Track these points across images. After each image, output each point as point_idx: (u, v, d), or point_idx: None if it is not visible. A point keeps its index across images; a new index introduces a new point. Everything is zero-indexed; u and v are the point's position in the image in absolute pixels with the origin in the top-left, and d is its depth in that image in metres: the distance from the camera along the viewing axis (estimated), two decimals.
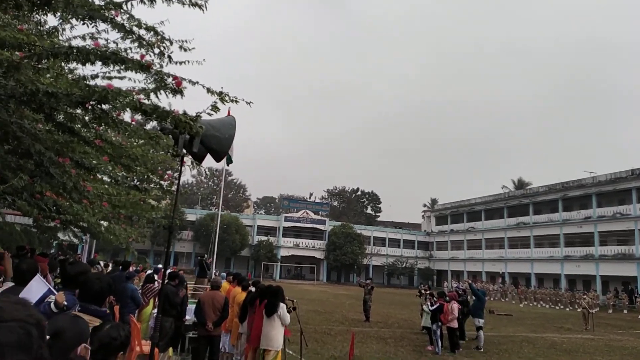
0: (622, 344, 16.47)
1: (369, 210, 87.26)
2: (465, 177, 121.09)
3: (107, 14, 3.44)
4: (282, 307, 7.18)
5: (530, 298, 40.29)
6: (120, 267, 11.13)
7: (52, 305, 3.07)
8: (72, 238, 15.48)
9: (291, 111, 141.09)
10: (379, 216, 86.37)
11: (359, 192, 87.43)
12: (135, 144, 6.68)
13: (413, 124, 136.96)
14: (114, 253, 41.88)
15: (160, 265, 20.97)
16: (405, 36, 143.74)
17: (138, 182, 7.93)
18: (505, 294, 44.42)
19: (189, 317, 9.59)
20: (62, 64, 4.79)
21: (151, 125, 7.85)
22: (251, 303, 7.91)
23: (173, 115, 3.87)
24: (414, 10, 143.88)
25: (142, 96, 4.12)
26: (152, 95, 4.16)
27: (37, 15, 5.19)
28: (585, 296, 24.66)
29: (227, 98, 4.17)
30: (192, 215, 57.14)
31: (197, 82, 4.13)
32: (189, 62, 4.36)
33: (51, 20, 5.02)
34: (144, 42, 3.70)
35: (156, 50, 3.71)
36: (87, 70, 4.84)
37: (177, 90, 3.84)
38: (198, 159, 4.77)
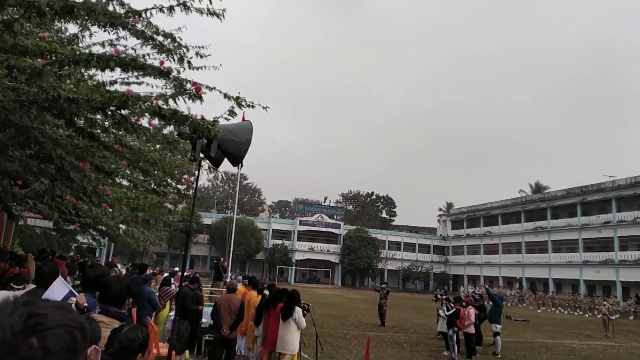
0: None
1: (383, 214, 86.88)
2: (481, 181, 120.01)
3: (127, 22, 3.51)
4: (298, 311, 7.19)
5: (548, 304, 39.70)
6: (138, 270, 11.27)
7: (73, 306, 3.12)
8: (90, 241, 15.73)
9: (306, 115, 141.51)
10: (394, 220, 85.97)
11: (374, 196, 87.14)
12: (152, 148, 6.78)
13: (428, 127, 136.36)
14: (132, 256, 42.38)
15: (177, 269, 21.17)
16: (417, 38, 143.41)
17: (156, 186, 8.03)
18: (522, 299, 43.83)
19: (205, 320, 9.66)
20: (82, 70, 4.89)
21: (168, 130, 7.96)
22: (266, 306, 7.94)
23: (191, 119, 3.93)
24: (425, 12, 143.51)
25: (160, 101, 4.18)
26: (171, 100, 4.23)
27: (57, 23, 5.31)
28: (605, 302, 24.21)
29: (243, 103, 4.22)
30: (208, 218, 57.53)
31: (214, 88, 4.19)
32: (205, 67, 4.42)
33: (71, 28, 5.14)
34: (165, 48, 3.76)
35: (176, 57, 3.77)
36: (106, 76, 4.93)
37: (197, 96, 3.89)
38: (215, 163, 4.81)
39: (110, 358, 2.39)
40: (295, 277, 58.45)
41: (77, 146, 5.70)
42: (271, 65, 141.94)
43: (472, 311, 12.60)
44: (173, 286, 10.82)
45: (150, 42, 3.73)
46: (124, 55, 4.04)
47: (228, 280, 15.35)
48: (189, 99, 3.95)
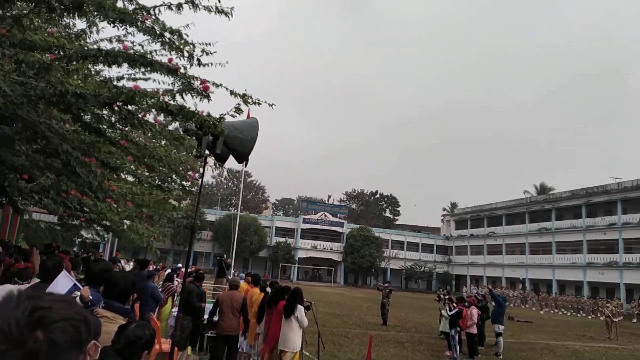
0: None
1: (387, 214, 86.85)
2: (486, 181, 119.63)
3: (137, 18, 3.52)
4: (300, 309, 7.19)
5: (551, 305, 39.58)
6: (139, 266, 11.31)
7: (77, 300, 3.14)
8: (94, 236, 15.78)
9: (311, 114, 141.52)
10: (397, 219, 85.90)
11: (378, 195, 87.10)
12: (158, 144, 6.80)
13: (433, 126, 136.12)
14: (135, 252, 42.55)
15: (180, 265, 21.21)
16: (422, 37, 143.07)
17: (160, 182, 8.05)
18: (525, 300, 43.72)
19: (206, 316, 9.69)
20: (90, 66, 4.91)
21: (173, 126, 7.98)
22: (269, 304, 7.96)
23: (198, 116, 3.94)
24: (429, 11, 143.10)
25: (167, 97, 4.19)
26: (177, 96, 4.24)
27: (65, 19, 5.33)
28: (608, 304, 24.11)
29: (250, 100, 4.22)
30: (211, 215, 57.66)
31: (221, 85, 4.19)
32: (212, 64, 4.42)
33: (79, 24, 5.16)
34: (174, 45, 3.77)
35: (186, 54, 3.78)
36: (112, 72, 4.95)
37: (205, 95, 3.90)
38: (221, 160, 4.82)
39: (116, 354, 2.40)
40: (297, 275, 58.48)
41: (83, 141, 5.72)
42: (278, 64, 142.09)
43: (474, 311, 12.58)
44: (176, 282, 10.86)
45: (160, 39, 3.74)
46: (132, 51, 4.05)
47: (231, 277, 15.38)
48: (197, 97, 3.96)
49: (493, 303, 14.42)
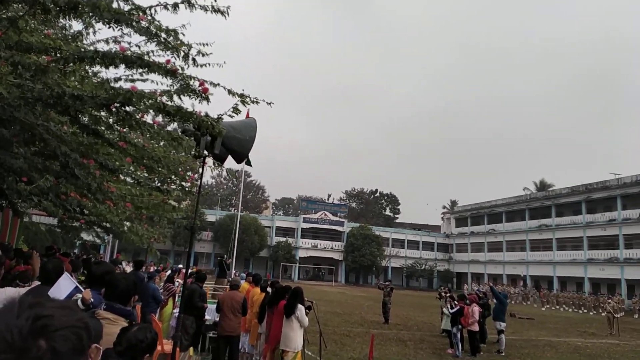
0: None
1: (387, 212, 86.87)
2: (485, 178, 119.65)
3: (132, 18, 3.50)
4: (301, 308, 7.18)
5: (552, 301, 39.61)
6: (134, 267, 11.28)
7: (79, 302, 3.12)
8: (94, 238, 15.76)
9: (310, 113, 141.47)
10: (397, 218, 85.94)
11: (378, 194, 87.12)
12: (157, 145, 6.78)
13: (433, 125, 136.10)
14: (136, 253, 42.48)
15: (180, 266, 21.20)
16: (421, 37, 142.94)
17: (160, 184, 8.04)
18: (526, 297, 43.74)
19: (209, 317, 9.68)
20: (87, 67, 4.89)
21: (172, 126, 7.96)
22: (270, 304, 7.95)
23: (196, 116, 3.92)
24: (428, 11, 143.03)
25: (164, 98, 4.18)
26: (175, 97, 4.23)
27: (62, 20, 5.31)
28: (610, 300, 24.12)
29: (248, 100, 4.21)
30: (211, 216, 57.63)
31: (219, 84, 4.18)
32: (209, 64, 4.40)
33: (75, 25, 5.14)
34: (170, 46, 3.76)
35: (181, 54, 3.76)
36: (110, 73, 4.93)
37: (204, 97, 3.89)
38: (219, 160, 4.81)
39: (118, 356, 2.39)
40: (298, 275, 58.49)
41: (81, 143, 5.71)
42: (277, 64, 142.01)
43: (476, 309, 12.57)
44: (176, 283, 10.85)
45: (155, 39, 3.72)
46: (129, 52, 4.04)
47: (232, 277, 15.37)
48: (196, 98, 3.95)
49: (494, 300, 14.42)
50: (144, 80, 5.16)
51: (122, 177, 7.74)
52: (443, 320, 14.14)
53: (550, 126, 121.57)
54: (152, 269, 20.58)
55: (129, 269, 17.67)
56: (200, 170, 4.89)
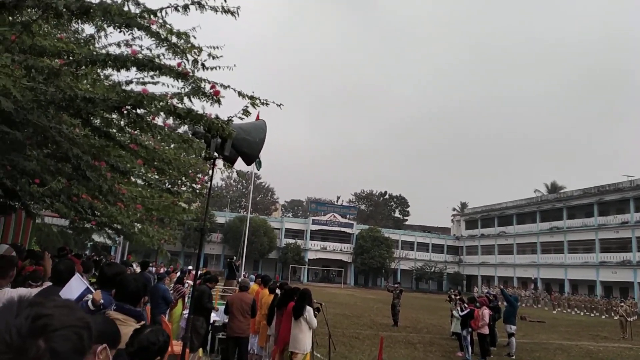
0: None
1: (396, 214, 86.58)
2: (496, 180, 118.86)
3: (142, 22, 3.53)
4: (309, 310, 7.19)
5: (563, 305, 39.21)
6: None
7: (89, 303, 3.16)
8: (105, 239, 15.89)
9: (319, 114, 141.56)
10: (407, 220, 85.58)
11: (387, 196, 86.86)
12: (167, 147, 6.83)
13: (442, 126, 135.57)
14: (146, 254, 42.75)
15: (190, 267, 21.31)
16: (430, 37, 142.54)
17: (170, 185, 8.10)
18: (537, 300, 43.35)
19: (219, 318, 9.72)
20: (99, 70, 4.94)
21: (183, 129, 8.02)
22: (279, 305, 7.96)
23: (206, 119, 3.95)
24: (435, 12, 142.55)
25: (175, 100, 4.21)
26: (186, 99, 4.26)
27: (74, 24, 5.38)
28: (622, 304, 23.83)
29: (258, 102, 4.23)
30: (221, 217, 57.81)
31: (229, 86, 4.20)
32: (219, 67, 4.43)
33: (87, 29, 5.20)
34: (178, 50, 3.79)
35: (190, 58, 3.79)
36: (121, 76, 4.98)
37: (215, 100, 3.91)
38: (229, 161, 4.84)
39: (130, 358, 2.40)
40: (307, 277, 58.49)
41: (93, 145, 5.77)
42: (285, 66, 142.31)
43: (486, 312, 12.50)
44: (186, 284, 10.90)
45: (165, 44, 3.76)
46: (140, 55, 4.07)
47: (241, 279, 15.42)
48: (207, 101, 3.97)
49: (505, 303, 14.33)
50: (155, 83, 5.21)
51: (133, 179, 7.81)
52: (453, 322, 14.07)
53: (561, 125, 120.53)
54: (162, 270, 20.72)
55: (139, 270, 17.79)
56: (210, 172, 4.92)
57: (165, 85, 4.91)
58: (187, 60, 3.81)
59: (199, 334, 8.02)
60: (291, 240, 59.38)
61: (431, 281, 62.64)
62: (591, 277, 45.53)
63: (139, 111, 4.27)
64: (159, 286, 9.30)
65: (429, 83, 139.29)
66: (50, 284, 4.24)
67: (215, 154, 4.46)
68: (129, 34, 3.68)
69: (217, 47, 4.40)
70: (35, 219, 12.40)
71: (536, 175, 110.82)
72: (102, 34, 4.91)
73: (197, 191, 8.65)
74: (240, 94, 4.22)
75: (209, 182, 4.94)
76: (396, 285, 19.95)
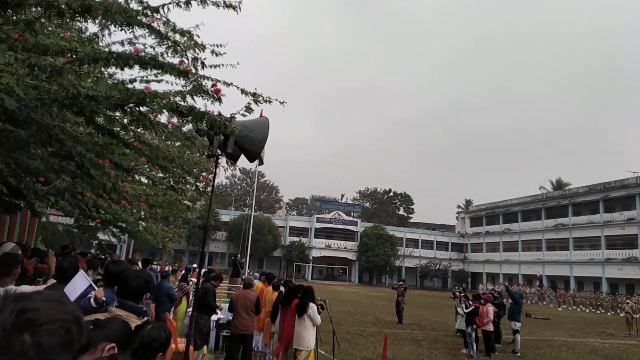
0: None
1: (401, 212, 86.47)
2: (501, 177, 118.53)
3: (144, 20, 3.53)
4: (312, 307, 7.20)
5: (569, 302, 39.09)
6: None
7: (92, 300, 3.17)
8: (110, 238, 15.95)
9: (323, 113, 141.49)
10: (411, 217, 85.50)
11: (391, 193, 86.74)
12: (171, 145, 6.84)
13: (446, 124, 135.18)
14: (151, 253, 42.93)
15: (195, 265, 21.39)
16: (433, 32, 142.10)
17: (174, 183, 8.11)
18: (542, 297, 43.24)
19: (223, 315, 9.75)
20: (102, 69, 4.95)
21: (187, 127, 8.04)
22: (283, 303, 7.98)
23: (208, 116, 3.95)
24: (440, 10, 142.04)
25: (178, 98, 4.22)
26: (189, 97, 4.26)
27: (78, 23, 5.38)
28: (628, 300, 23.71)
29: (260, 99, 4.23)
30: (226, 216, 57.97)
31: (232, 84, 4.20)
32: (222, 65, 4.43)
33: (91, 28, 5.21)
34: (179, 48, 3.79)
35: (190, 56, 3.79)
36: (125, 74, 4.99)
37: (216, 98, 3.91)
38: (232, 159, 4.85)
39: (131, 354, 2.41)
40: (312, 274, 58.58)
41: (97, 143, 5.78)
42: (290, 64, 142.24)
43: (490, 309, 12.48)
44: (190, 282, 10.94)
45: (166, 42, 3.76)
46: (143, 54, 4.08)
47: (245, 276, 15.46)
48: (208, 98, 3.97)
49: (510, 300, 14.29)
50: (159, 81, 5.22)
51: (137, 177, 7.82)
52: (457, 320, 14.05)
53: (566, 122, 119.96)
54: (167, 268, 20.80)
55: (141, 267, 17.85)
56: (214, 169, 4.93)
57: (169, 84, 4.92)
58: (188, 58, 3.81)
59: (202, 332, 8.05)
60: (295, 238, 59.46)
61: (436, 279, 62.58)
62: (597, 274, 45.37)
63: (141, 109, 4.28)
64: (164, 284, 9.33)
65: (433, 81, 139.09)
66: (55, 281, 4.26)
67: (219, 151, 4.46)
68: (130, 32, 3.67)
69: (221, 45, 4.41)
70: (41, 218, 12.46)
71: (541, 172, 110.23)
72: (106, 32, 4.92)
73: (201, 189, 8.66)
74: (243, 91, 4.22)
75: (213, 179, 4.95)
76: (400, 282, 19.94)
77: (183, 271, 15.87)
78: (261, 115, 5.20)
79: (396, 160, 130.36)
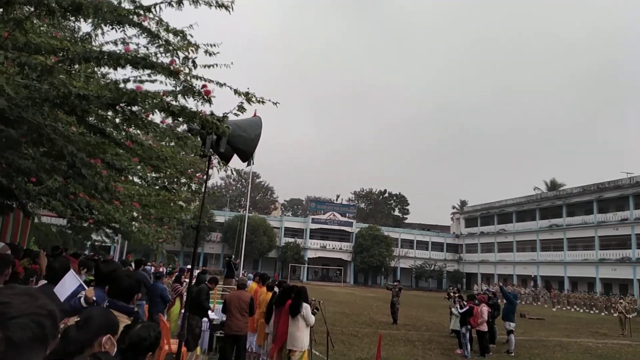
0: None
1: (396, 212, 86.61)
2: (495, 178, 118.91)
3: (135, 19, 3.51)
4: (306, 307, 7.19)
5: (563, 302, 39.25)
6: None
7: (82, 300, 3.15)
8: (103, 238, 15.85)
9: (318, 114, 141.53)
10: (406, 218, 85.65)
11: (387, 194, 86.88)
12: (165, 145, 6.81)
13: (441, 125, 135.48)
14: (145, 254, 42.73)
15: (189, 266, 21.29)
16: (433, 32, 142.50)
17: (167, 183, 8.07)
18: (537, 297, 43.41)
19: (217, 316, 9.71)
20: (95, 68, 4.93)
21: (182, 128, 8.01)
22: (277, 304, 7.96)
23: (200, 116, 3.93)
24: (438, 8, 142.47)
25: (170, 98, 4.20)
26: (180, 97, 4.24)
27: (71, 23, 5.36)
28: (621, 300, 23.83)
29: (253, 99, 4.21)
30: (220, 217, 57.78)
31: (225, 84, 4.19)
32: (216, 65, 4.41)
33: (84, 27, 5.18)
34: (170, 48, 3.77)
35: (181, 55, 3.78)
36: (119, 74, 4.96)
37: (206, 99, 3.89)
38: (225, 159, 4.83)
39: (121, 354, 2.39)
40: (307, 275, 58.52)
41: (88, 143, 5.75)
42: (285, 64, 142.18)
43: (485, 309, 12.50)
44: (184, 283, 10.90)
45: (157, 41, 3.74)
46: (134, 53, 4.06)
47: (239, 277, 15.42)
48: (198, 101, 3.95)
49: (504, 300, 14.33)
50: (152, 82, 5.19)
51: (129, 177, 7.77)
52: (452, 320, 14.07)
53: (560, 123, 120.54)
54: (162, 269, 20.70)
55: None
56: (206, 169, 4.91)
57: (163, 84, 4.90)
58: (179, 58, 3.79)
59: (193, 332, 8.01)
60: (291, 239, 59.40)
61: (431, 279, 62.69)
62: (591, 274, 45.58)
63: (133, 108, 4.25)
64: (157, 285, 9.30)
65: (433, 81, 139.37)
66: (46, 282, 4.23)
67: (211, 150, 4.44)
68: (121, 32, 3.66)
69: (214, 45, 4.39)
70: (33, 219, 12.38)
71: (536, 172, 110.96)
72: (99, 32, 4.89)
73: (195, 189, 8.62)
74: (236, 91, 4.20)
75: (205, 179, 4.93)
76: (395, 283, 19.96)
77: (177, 272, 15.81)
78: (255, 115, 5.18)
79: (391, 161, 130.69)
